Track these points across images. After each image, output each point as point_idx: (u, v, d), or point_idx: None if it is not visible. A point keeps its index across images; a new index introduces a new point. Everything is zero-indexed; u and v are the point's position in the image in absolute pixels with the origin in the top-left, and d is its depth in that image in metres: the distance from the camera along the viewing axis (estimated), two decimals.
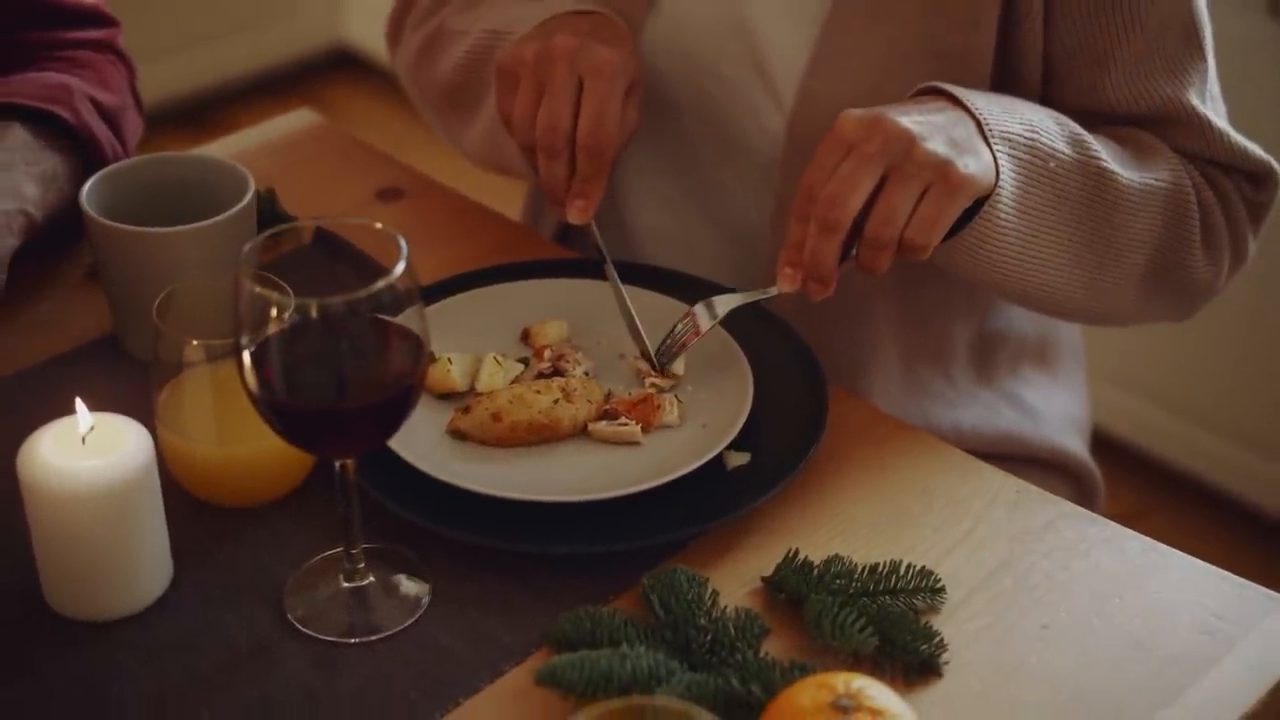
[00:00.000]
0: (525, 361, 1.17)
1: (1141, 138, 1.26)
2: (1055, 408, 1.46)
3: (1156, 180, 1.22)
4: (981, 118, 1.12)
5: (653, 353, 1.16)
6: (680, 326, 1.15)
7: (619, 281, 1.20)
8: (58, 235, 1.27)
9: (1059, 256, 1.19)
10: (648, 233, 1.41)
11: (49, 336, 1.24)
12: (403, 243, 0.91)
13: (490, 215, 1.41)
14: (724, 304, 1.16)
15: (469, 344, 1.18)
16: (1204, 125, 1.25)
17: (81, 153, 1.23)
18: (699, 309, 1.16)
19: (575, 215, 1.18)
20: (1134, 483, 2.50)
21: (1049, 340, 1.47)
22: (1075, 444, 1.46)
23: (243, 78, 3.55)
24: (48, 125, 1.25)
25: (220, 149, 1.49)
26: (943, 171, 1.07)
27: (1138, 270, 1.25)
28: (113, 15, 1.42)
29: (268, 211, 1.34)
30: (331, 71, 3.67)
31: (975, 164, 1.09)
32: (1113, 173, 1.19)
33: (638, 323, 1.18)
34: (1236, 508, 2.44)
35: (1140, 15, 1.22)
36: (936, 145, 1.07)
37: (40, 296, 1.28)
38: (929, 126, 1.08)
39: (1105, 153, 1.20)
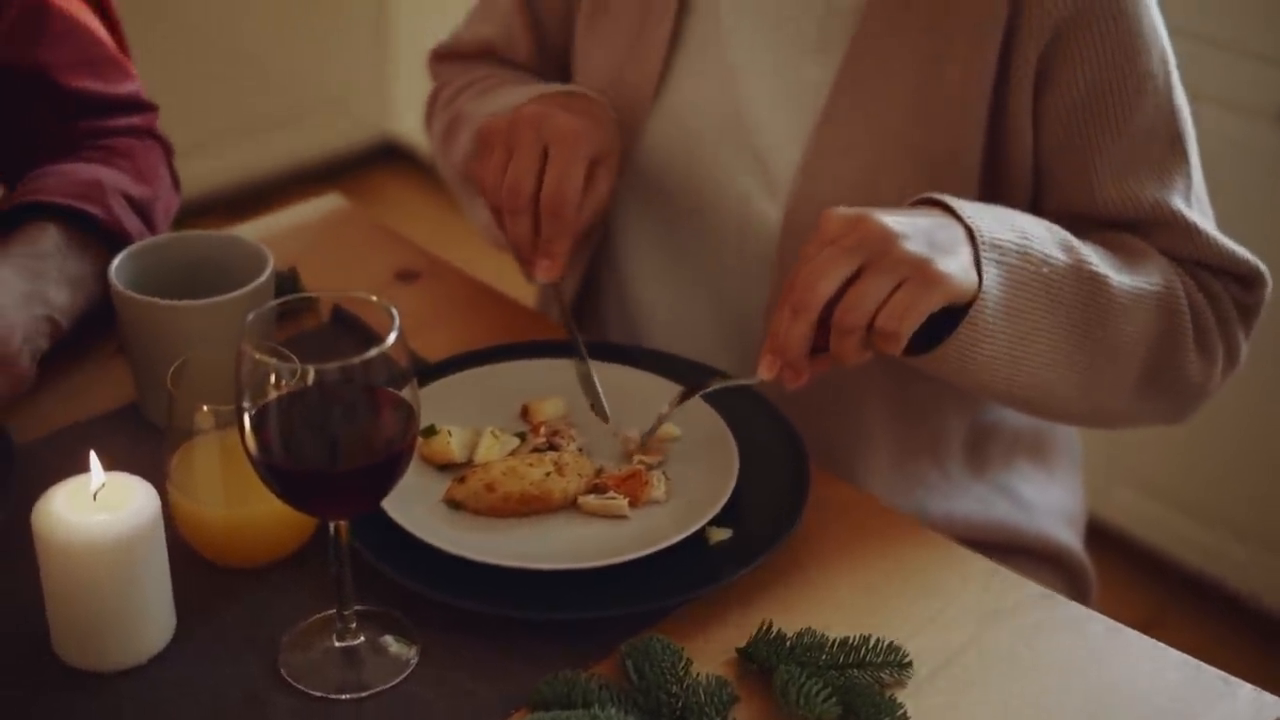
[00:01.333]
0: (522, 436, 1.23)
1: (1131, 243, 1.29)
2: (1049, 500, 1.50)
3: (1148, 284, 1.26)
4: (972, 224, 1.16)
5: (605, 407, 1.23)
6: (667, 408, 1.21)
7: (578, 336, 1.27)
8: (93, 316, 1.34)
9: (1053, 360, 1.22)
10: (653, 315, 1.46)
11: (78, 404, 1.31)
12: (395, 315, 0.96)
13: (502, 299, 1.47)
14: (708, 387, 1.21)
15: (470, 418, 1.23)
16: (1191, 229, 1.29)
17: (113, 247, 1.30)
18: (686, 393, 1.21)
19: (541, 274, 1.26)
20: (1154, 587, 2.52)
21: (1043, 433, 1.50)
22: (1068, 536, 1.49)
23: (293, 169, 3.65)
24: (81, 222, 1.32)
25: (250, 230, 1.56)
26: (919, 268, 1.11)
27: (1132, 373, 1.28)
28: (150, 101, 1.49)
29: (288, 289, 1.41)
30: (380, 163, 3.77)
31: (954, 265, 1.13)
32: (1105, 277, 1.23)
33: (593, 376, 1.24)
34: (1254, 611, 2.45)
35: (1124, 121, 1.27)
36: (916, 245, 1.11)
37: (73, 368, 1.35)
38: (911, 227, 1.13)
39: (1097, 258, 1.23)
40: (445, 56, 1.58)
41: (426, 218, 3.47)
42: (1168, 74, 1.29)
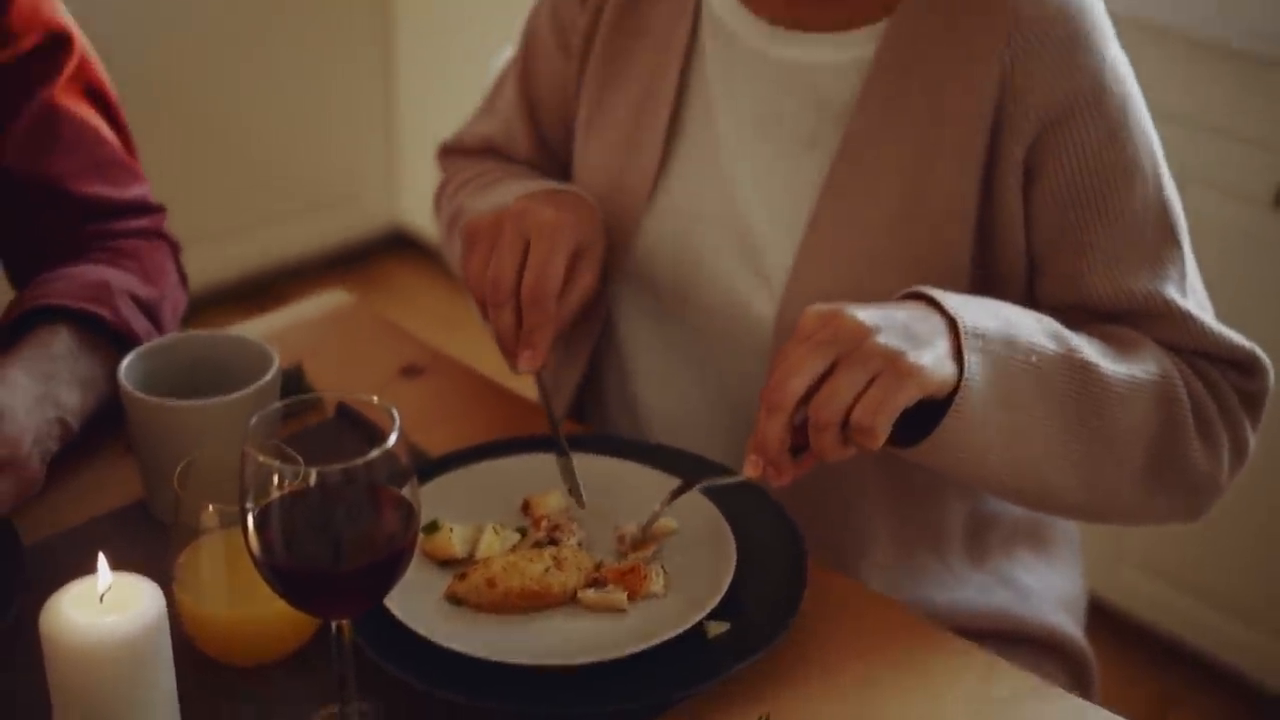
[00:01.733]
0: (523, 531, 1.24)
1: (1125, 334, 1.30)
2: (1049, 588, 1.50)
3: (1144, 372, 1.26)
4: (955, 314, 1.17)
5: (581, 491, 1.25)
6: (659, 505, 1.23)
7: (558, 425, 1.30)
8: (102, 416, 1.36)
9: (1048, 450, 1.22)
10: (654, 409, 1.48)
11: (88, 502, 1.33)
12: (396, 417, 0.98)
13: (504, 393, 1.49)
14: (701, 483, 1.24)
15: (472, 514, 1.25)
16: (1184, 317, 1.30)
17: (122, 348, 1.33)
18: (679, 489, 1.23)
19: (524, 364, 1.29)
20: (1162, 672, 2.52)
21: (1042, 522, 1.51)
22: (1069, 624, 1.49)
23: (303, 258, 3.69)
24: (91, 325, 1.35)
25: (257, 326, 1.59)
26: (892, 360, 1.12)
27: (1135, 465, 1.27)
28: (157, 203, 1.52)
29: (294, 385, 1.43)
30: (389, 252, 3.81)
31: (929, 357, 1.14)
32: (1097, 365, 1.23)
33: (572, 463, 1.27)
34: (1264, 697, 2.45)
35: (1114, 213, 1.28)
36: (889, 338, 1.13)
37: (82, 466, 1.37)
38: (886, 321, 1.14)
39: (1089, 347, 1.24)
40: (451, 151, 1.62)
41: (435, 305, 3.51)
42: (1155, 164, 1.31)
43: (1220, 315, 1.33)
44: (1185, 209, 1.33)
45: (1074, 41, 1.26)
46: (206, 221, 3.41)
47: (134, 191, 1.49)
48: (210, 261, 3.37)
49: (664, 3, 1.41)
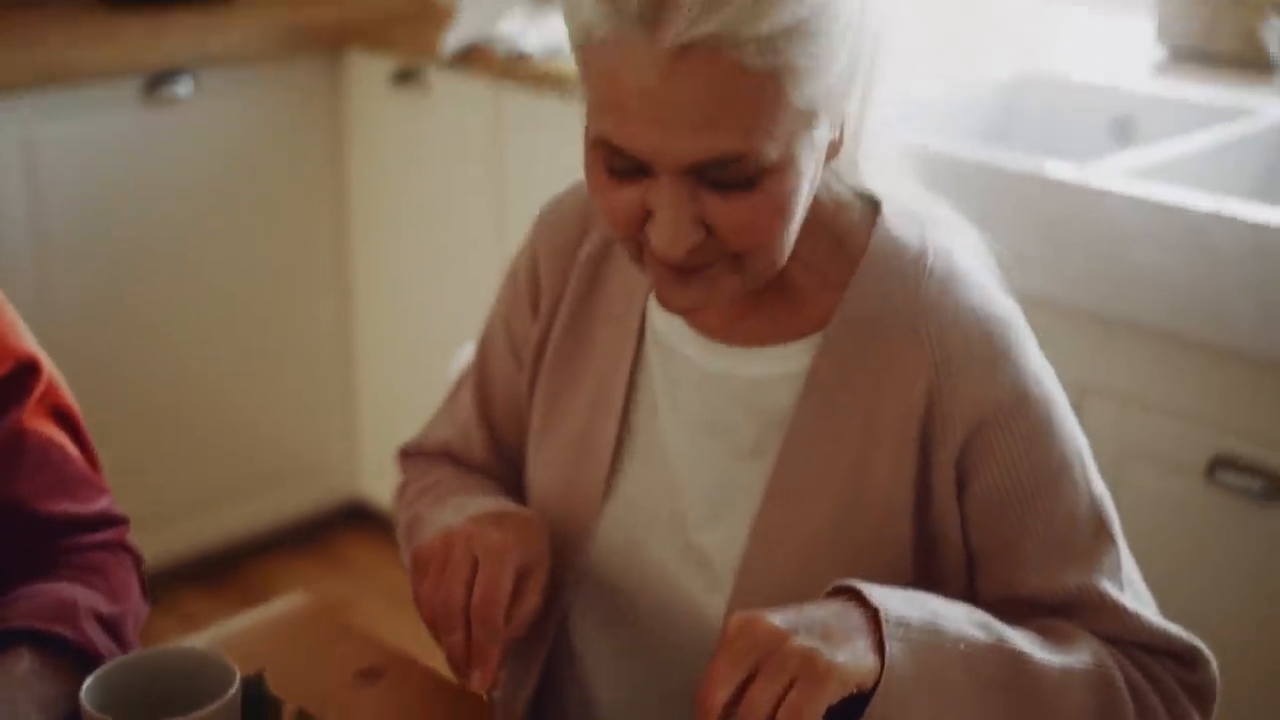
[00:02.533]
0: None
1: (1060, 625, 1.33)
2: None
3: (1078, 662, 1.28)
4: (878, 605, 1.20)
5: None
6: None
7: None
8: None
9: None
10: (611, 709, 1.50)
11: None
12: None
13: (463, 695, 1.51)
14: None
15: None
16: (1120, 611, 1.33)
17: (85, 667, 1.35)
18: None
19: (475, 683, 1.31)
20: None
21: None
22: None
23: (265, 533, 3.71)
24: (55, 645, 1.37)
25: (216, 633, 1.61)
26: (809, 661, 1.14)
27: None
28: (121, 513, 1.56)
29: (255, 694, 1.45)
30: (349, 525, 3.84)
31: (845, 654, 1.16)
32: (1029, 654, 1.26)
33: None
34: None
35: (1045, 512, 1.33)
36: (805, 639, 1.15)
37: None
38: (804, 621, 1.18)
39: (1021, 638, 1.27)
40: (411, 455, 1.67)
41: (396, 581, 3.52)
42: (1082, 463, 1.36)
43: (1157, 585, 1.36)
44: (1122, 484, 1.38)
45: (995, 357, 1.33)
46: (157, 499, 3.44)
47: (99, 505, 1.53)
48: (162, 539, 3.39)
49: (611, 319, 1.48)
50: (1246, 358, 2.08)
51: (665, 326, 1.45)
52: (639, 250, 1.30)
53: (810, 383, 1.36)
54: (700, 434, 1.42)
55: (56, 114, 3.18)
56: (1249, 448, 2.10)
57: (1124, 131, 2.71)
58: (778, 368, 1.39)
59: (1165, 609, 1.40)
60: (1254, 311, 2.07)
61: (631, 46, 1.19)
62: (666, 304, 1.32)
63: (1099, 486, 1.37)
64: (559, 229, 1.53)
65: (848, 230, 1.39)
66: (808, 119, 1.23)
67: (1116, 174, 2.23)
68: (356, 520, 3.85)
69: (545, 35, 3.12)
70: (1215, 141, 2.42)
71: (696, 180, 1.23)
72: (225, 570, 3.61)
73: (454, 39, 3.20)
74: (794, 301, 1.39)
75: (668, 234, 1.24)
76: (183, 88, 3.31)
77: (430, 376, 3.66)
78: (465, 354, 1.91)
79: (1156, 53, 2.94)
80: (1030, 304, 1.44)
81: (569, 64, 3.06)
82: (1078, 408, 1.44)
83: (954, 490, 1.34)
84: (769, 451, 1.39)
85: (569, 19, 1.25)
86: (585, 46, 1.23)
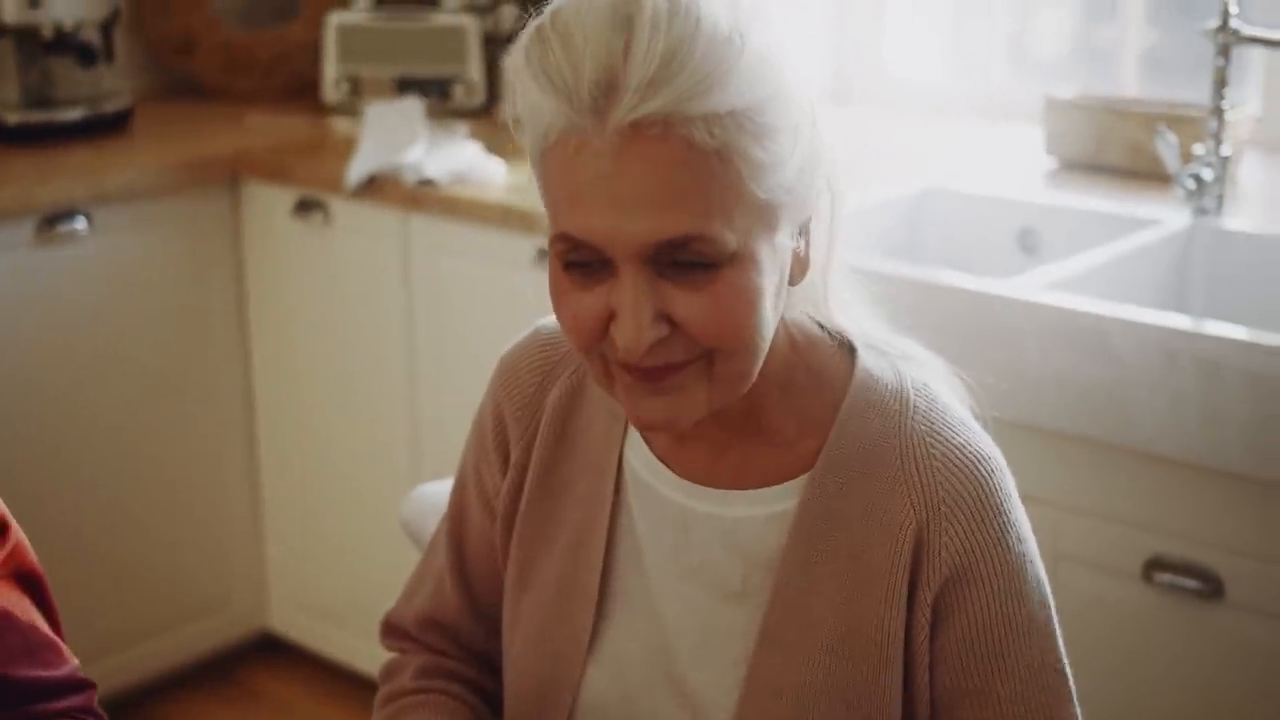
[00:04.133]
0: None
1: None
2: None
3: None
4: None
5: None
6: None
7: None
8: None
9: None
10: None
11: None
12: None
13: None
14: None
15: None
16: None
17: None
18: None
19: None
20: None
21: None
22: None
23: (174, 670, 3.63)
24: None
25: None
26: None
27: None
28: (86, 678, 1.53)
29: None
30: (259, 658, 3.77)
31: None
32: None
33: None
34: None
35: (1011, 661, 1.35)
36: None
37: None
38: None
39: None
40: (393, 631, 1.64)
41: (311, 712, 3.46)
42: (1049, 620, 1.39)
43: (1098, 686, 1.39)
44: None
45: (983, 505, 1.35)
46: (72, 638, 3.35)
47: (65, 670, 1.50)
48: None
49: (587, 465, 1.47)
50: (1173, 460, 2.14)
51: (645, 470, 1.44)
52: (605, 367, 1.29)
53: (798, 525, 1.37)
54: (684, 576, 1.41)
55: None
56: (1184, 548, 2.15)
57: (1029, 243, 2.79)
58: (762, 509, 1.39)
59: (1106, 711, 1.44)
60: (1168, 415, 2.13)
61: (586, 137, 1.20)
62: (637, 419, 1.31)
63: (1061, 645, 1.39)
64: (522, 375, 1.52)
65: (824, 368, 1.41)
66: (768, 218, 1.24)
67: (1035, 288, 2.29)
68: (268, 651, 3.78)
69: (447, 163, 3.14)
70: (1122, 252, 2.50)
71: (657, 274, 1.23)
72: (134, 715, 3.52)
73: (356, 170, 3.20)
74: (774, 443, 1.40)
75: (630, 328, 1.23)
76: (79, 224, 3.27)
77: (338, 506, 3.63)
78: (416, 499, 1.90)
79: (1048, 163, 3.03)
80: None
81: (477, 190, 3.10)
82: None
83: (929, 631, 1.36)
84: (756, 592, 1.39)
85: (531, 128, 1.25)
86: (545, 150, 1.24)
